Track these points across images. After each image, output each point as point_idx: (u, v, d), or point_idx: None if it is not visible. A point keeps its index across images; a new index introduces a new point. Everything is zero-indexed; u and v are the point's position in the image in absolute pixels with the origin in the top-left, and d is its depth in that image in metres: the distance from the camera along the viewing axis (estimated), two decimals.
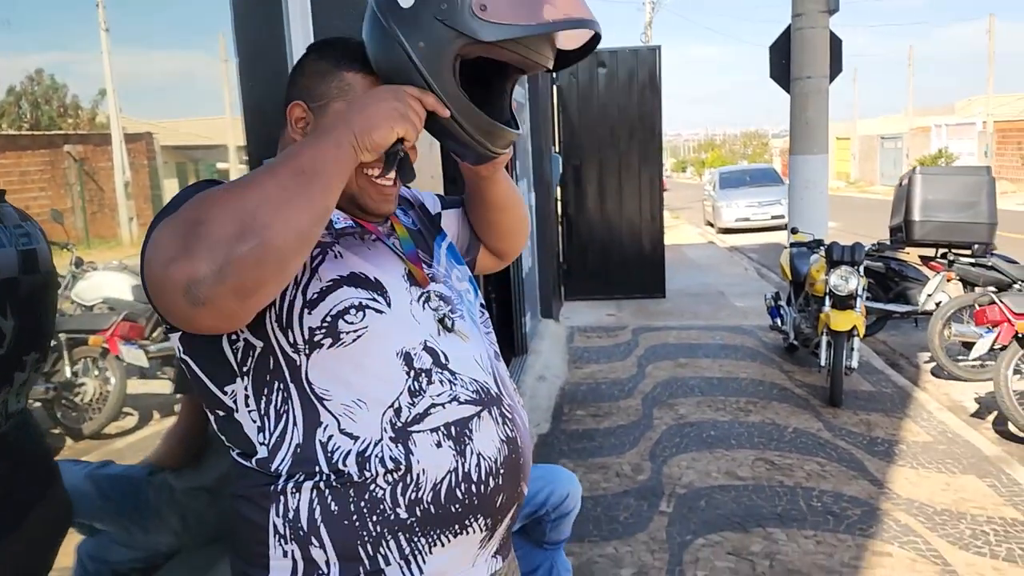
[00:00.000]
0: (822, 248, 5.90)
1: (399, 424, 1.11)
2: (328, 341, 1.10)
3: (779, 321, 6.71)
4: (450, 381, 1.16)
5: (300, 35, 2.15)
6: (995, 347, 4.79)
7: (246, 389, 1.12)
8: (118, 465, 2.35)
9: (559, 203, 9.29)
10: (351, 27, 2.17)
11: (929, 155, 30.57)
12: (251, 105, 2.24)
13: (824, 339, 5.47)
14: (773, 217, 17.70)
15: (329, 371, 1.11)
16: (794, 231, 6.79)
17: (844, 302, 5.44)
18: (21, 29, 1.94)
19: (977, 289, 6.08)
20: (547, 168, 7.85)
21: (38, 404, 4.32)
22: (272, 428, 1.12)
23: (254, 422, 1.13)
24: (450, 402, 1.15)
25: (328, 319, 1.10)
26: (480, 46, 1.07)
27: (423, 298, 1.22)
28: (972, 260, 6.29)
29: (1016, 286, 5.89)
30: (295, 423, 1.11)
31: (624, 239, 9.46)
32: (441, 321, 1.21)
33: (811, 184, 7.43)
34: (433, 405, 1.14)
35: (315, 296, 1.11)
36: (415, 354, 1.15)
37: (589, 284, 9.37)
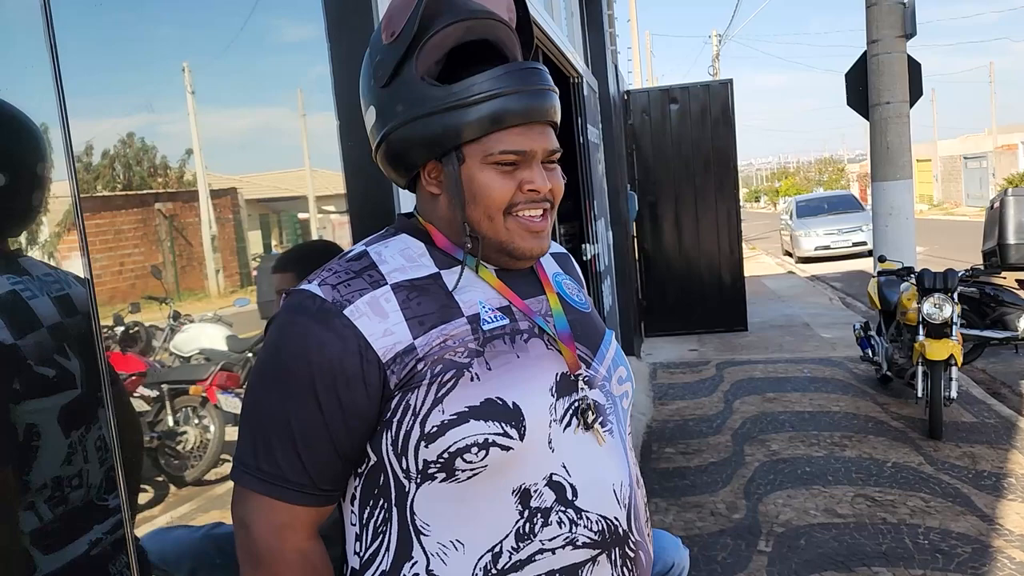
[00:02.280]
0: (912, 276, 5.73)
1: (493, 571, 1.01)
2: (442, 475, 1.01)
3: (870, 352, 6.52)
4: (572, 521, 1.04)
5: None
6: None
7: (355, 490, 1.09)
8: (229, 524, 2.44)
9: (636, 240, 9.29)
10: None
11: (1017, 173, 29.38)
12: (351, 162, 2.34)
13: (920, 369, 5.29)
14: (854, 244, 17.27)
15: (435, 504, 1.03)
16: (882, 259, 6.62)
17: (939, 330, 5.27)
18: (113, 96, 2.09)
19: None
20: (623, 206, 7.87)
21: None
22: (367, 543, 1.07)
23: (353, 525, 1.09)
24: (564, 547, 1.03)
25: (445, 456, 1.00)
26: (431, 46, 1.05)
27: (570, 410, 1.07)
28: None
29: None
30: (387, 549, 1.05)
31: (703, 273, 9.37)
32: (588, 427, 1.08)
33: (895, 210, 7.25)
34: (541, 551, 1.02)
35: (434, 430, 1.00)
36: (535, 491, 1.03)
37: (670, 319, 9.30)
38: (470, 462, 1.00)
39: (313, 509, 1.05)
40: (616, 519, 1.07)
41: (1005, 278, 6.81)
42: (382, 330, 1.02)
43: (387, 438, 1.03)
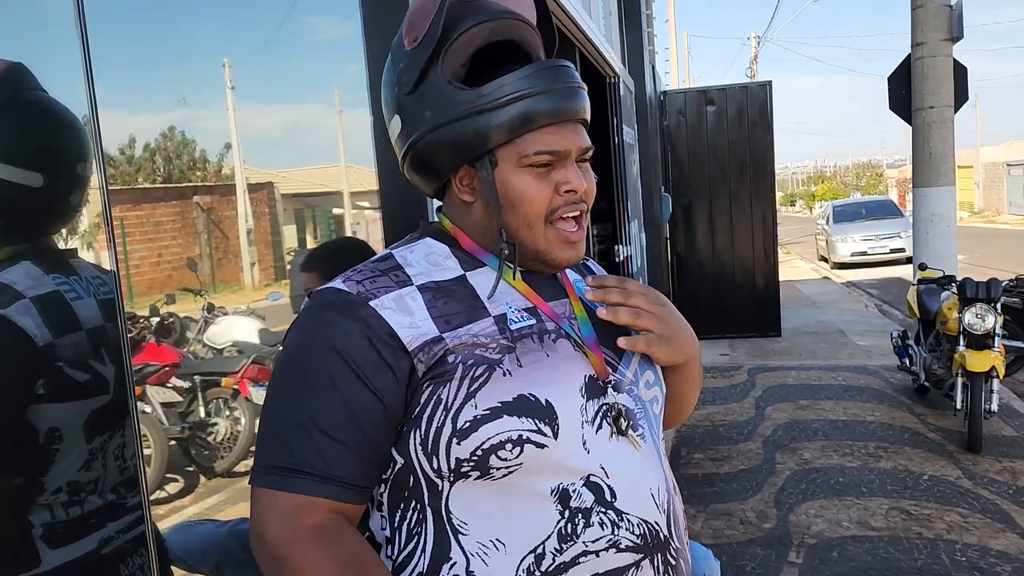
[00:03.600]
0: (954, 285, 5.61)
1: (537, 574, 0.98)
2: (476, 474, 0.98)
3: (907, 361, 6.39)
4: (613, 523, 1.01)
5: None
6: None
7: (381, 496, 1.05)
8: None
9: (669, 242, 9.20)
10: None
11: None
12: (384, 159, 2.33)
13: (960, 380, 5.17)
14: (892, 251, 17.01)
15: (471, 503, 1.00)
16: (922, 267, 6.49)
17: (980, 341, 5.15)
18: (154, 89, 2.10)
19: None
20: (657, 208, 7.80)
21: (173, 443, 4.58)
22: (401, 546, 1.02)
23: (383, 529, 1.05)
24: (607, 549, 1.00)
25: (479, 453, 0.97)
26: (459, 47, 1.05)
27: (600, 413, 1.04)
28: None
29: None
30: (423, 550, 1.01)
31: (736, 277, 9.26)
32: (620, 432, 1.05)
33: (936, 217, 7.11)
34: (585, 553, 0.99)
35: (467, 426, 0.97)
36: (574, 491, 1.00)
37: (702, 323, 9.17)
38: (505, 459, 0.97)
39: (330, 503, 0.97)
40: (657, 523, 1.05)
41: None
42: (408, 322, 1.00)
43: (415, 437, 1.00)
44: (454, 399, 0.98)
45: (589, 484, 1.01)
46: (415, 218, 2.29)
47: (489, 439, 0.97)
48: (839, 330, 9.61)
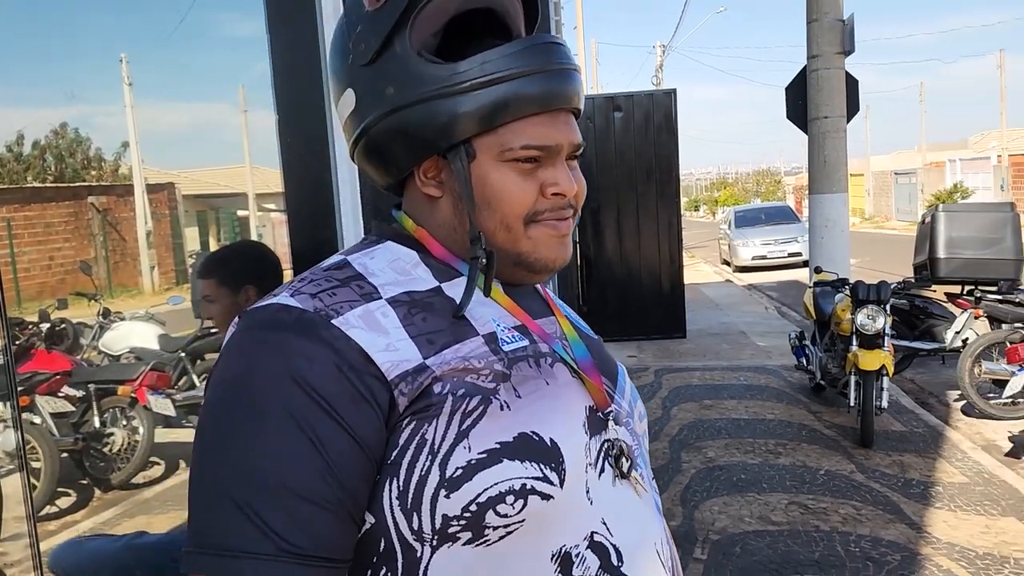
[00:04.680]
0: (847, 287, 5.87)
1: None
2: (466, 536, 0.77)
3: (804, 361, 6.65)
4: None
5: None
6: None
7: None
8: (153, 534, 2.35)
9: (577, 246, 9.33)
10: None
11: (944, 190, 30.54)
12: (290, 162, 2.28)
13: (853, 379, 5.42)
14: (790, 255, 17.71)
15: (456, 574, 0.78)
16: (817, 270, 6.77)
17: (871, 341, 5.41)
18: (45, 84, 2.00)
19: (1005, 326, 6.02)
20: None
21: (65, 455, 4.35)
22: None
23: None
24: None
25: (473, 508, 0.76)
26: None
27: (602, 452, 0.87)
28: (999, 296, 6.24)
29: None
30: None
31: (643, 280, 9.47)
32: (622, 474, 0.89)
33: (831, 223, 7.43)
34: None
35: (459, 474, 0.76)
36: (577, 555, 0.81)
37: (609, 326, 9.35)
38: (504, 515, 0.76)
39: None
40: None
41: (935, 291, 7.03)
42: (384, 344, 0.79)
43: (391, 489, 0.77)
44: (442, 439, 0.77)
45: (593, 545, 0.82)
46: (323, 221, 2.25)
47: (487, 490, 0.76)
48: (741, 331, 9.93)
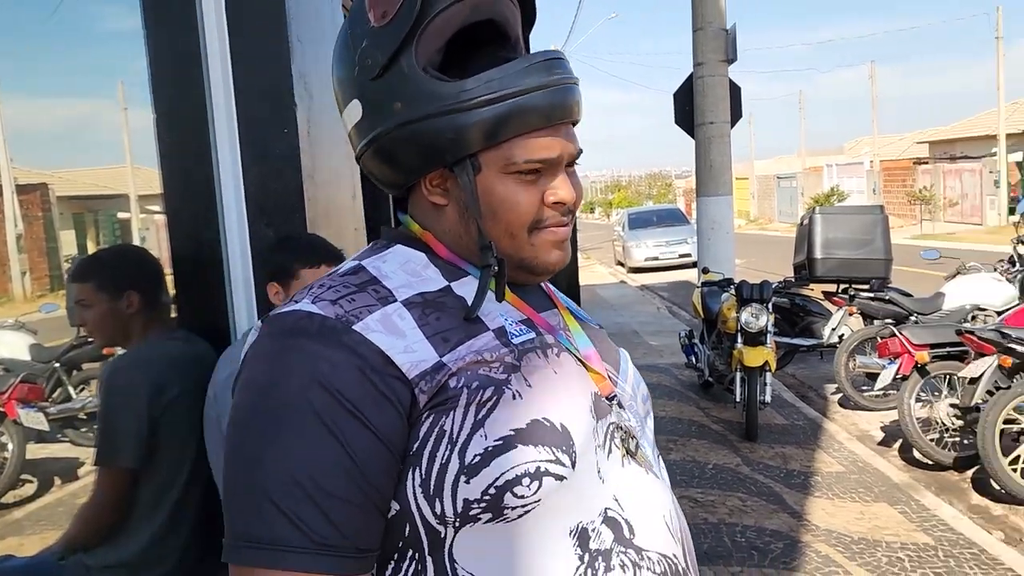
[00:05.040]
0: (732, 287, 6.10)
1: None
2: (487, 516, 0.83)
3: (694, 359, 6.87)
4: (634, 564, 0.89)
5: (220, 90, 2.12)
6: (897, 377, 5.03)
7: None
8: (21, 558, 2.21)
9: None
10: (269, 83, 2.16)
11: (822, 193, 32.12)
12: (169, 163, 2.19)
13: (738, 375, 5.63)
14: (681, 256, 18.25)
15: (480, 551, 0.84)
16: (705, 270, 7.00)
17: (755, 339, 5.63)
18: None
19: (876, 322, 6.38)
20: None
21: None
22: None
23: None
24: None
25: (492, 491, 0.82)
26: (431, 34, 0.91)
27: (608, 434, 0.93)
28: (871, 294, 6.61)
29: (912, 318, 6.22)
30: None
31: None
32: (629, 453, 0.95)
33: (717, 224, 7.70)
34: None
35: (477, 460, 0.82)
36: (593, 530, 0.87)
37: None
38: (521, 496, 0.82)
39: None
40: (675, 556, 0.93)
41: (812, 290, 7.39)
42: (402, 347, 0.84)
43: (414, 478, 0.83)
44: (460, 429, 0.83)
45: (607, 520, 0.88)
46: (204, 219, 2.17)
47: (503, 474, 0.82)
48: (634, 331, 10.18)
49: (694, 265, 13.49)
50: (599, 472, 0.89)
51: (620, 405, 0.96)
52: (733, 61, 7.52)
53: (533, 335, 0.93)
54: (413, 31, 0.88)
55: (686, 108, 7.79)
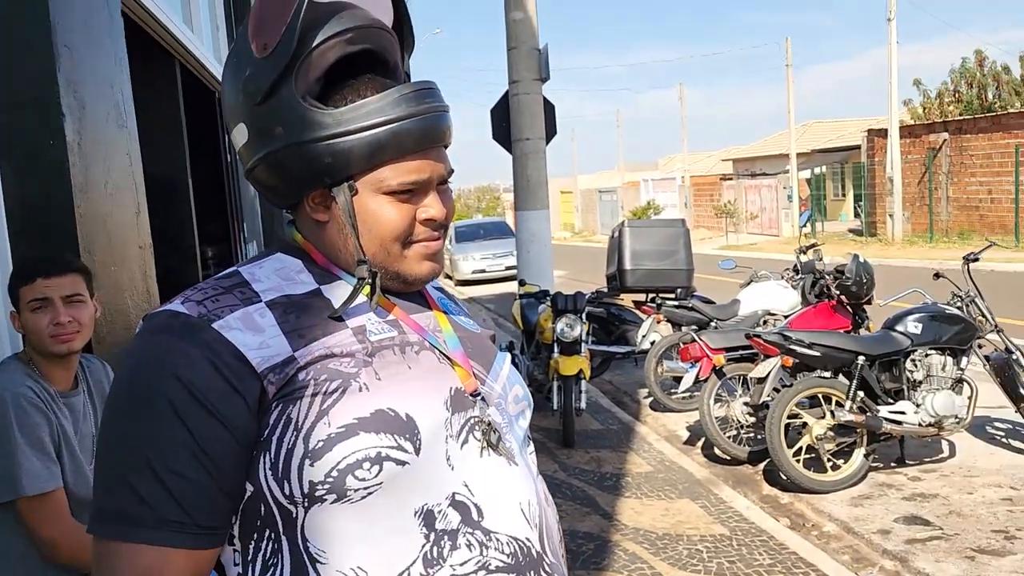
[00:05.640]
0: (548, 298, 6.28)
1: None
2: (332, 497, 0.90)
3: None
4: (481, 544, 0.96)
5: None
6: (699, 380, 5.36)
7: (233, 528, 0.96)
8: None
9: None
10: (33, 91, 2.01)
11: (640, 207, 33.83)
12: None
13: (555, 384, 5.80)
14: (507, 268, 18.58)
15: (329, 529, 0.92)
16: (522, 283, 7.18)
17: (571, 348, 5.83)
18: None
19: (682, 328, 6.78)
20: (279, 229, 7.66)
21: None
22: None
23: (235, 565, 0.96)
24: (476, 571, 0.95)
25: (334, 474, 0.90)
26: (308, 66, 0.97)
27: (467, 426, 1.00)
28: (676, 303, 7.01)
29: (713, 324, 6.65)
30: None
31: None
32: (490, 445, 1.01)
33: (536, 237, 7.92)
34: None
35: (320, 446, 0.90)
36: (439, 512, 0.95)
37: None
38: (362, 479, 0.90)
39: (189, 553, 0.88)
40: (528, 539, 1.00)
41: (623, 299, 7.75)
42: (257, 343, 0.92)
43: (265, 462, 0.91)
44: (305, 418, 0.91)
45: (455, 503, 0.96)
46: None
47: (345, 458, 0.89)
48: None
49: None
50: (448, 459, 0.96)
51: (484, 401, 1.03)
52: (546, 80, 7.77)
53: (395, 333, 1.01)
54: (292, 63, 0.95)
55: (503, 124, 7.97)
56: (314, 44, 0.96)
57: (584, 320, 6.00)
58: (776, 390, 4.83)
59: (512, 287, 17.03)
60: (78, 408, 1.91)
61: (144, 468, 0.87)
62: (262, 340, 0.93)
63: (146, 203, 2.65)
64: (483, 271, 18.94)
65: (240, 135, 1.02)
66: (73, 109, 2.09)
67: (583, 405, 5.78)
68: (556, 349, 5.86)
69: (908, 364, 4.84)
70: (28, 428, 1.73)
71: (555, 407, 5.80)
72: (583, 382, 5.80)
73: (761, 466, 5.21)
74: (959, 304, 5.03)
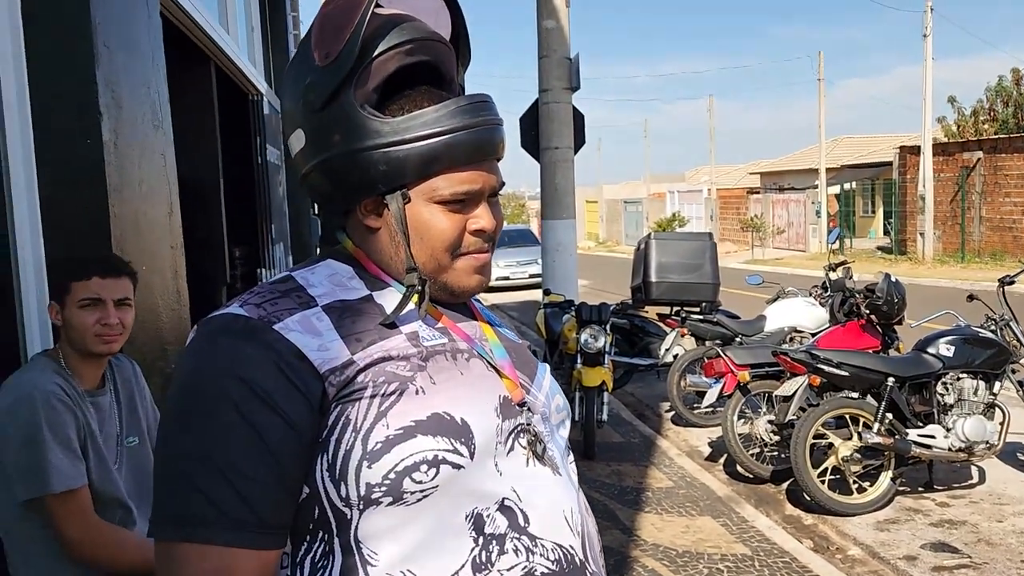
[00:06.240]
0: (572, 308, 6.25)
1: None
2: (388, 500, 0.92)
3: None
4: (528, 549, 0.97)
5: (13, 93, 1.96)
6: (722, 395, 5.30)
7: None
8: None
9: None
10: (71, 89, 2.02)
11: (665, 218, 33.70)
12: None
13: (577, 395, 5.76)
14: (531, 276, 18.56)
15: (382, 531, 0.93)
16: (547, 292, 7.15)
17: (594, 359, 5.79)
18: None
19: (707, 343, 6.72)
20: (306, 230, 7.70)
21: None
22: None
23: (284, 567, 0.96)
24: None
25: (392, 476, 0.91)
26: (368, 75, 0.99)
27: (514, 434, 1.02)
28: (700, 317, 6.96)
29: (738, 339, 6.59)
30: None
31: None
32: (536, 455, 1.03)
33: (561, 247, 7.88)
34: None
35: (378, 447, 0.91)
36: (488, 516, 0.96)
37: None
38: (420, 482, 0.91)
39: (255, 553, 0.88)
40: (572, 547, 1.01)
41: (648, 312, 7.69)
42: (316, 345, 0.93)
43: (322, 463, 0.92)
44: (364, 419, 0.92)
45: (503, 508, 0.97)
46: None
47: (402, 460, 0.91)
48: None
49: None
50: (496, 466, 0.98)
51: (530, 411, 1.05)
52: (576, 89, 7.74)
53: (445, 340, 1.02)
54: (353, 71, 0.97)
55: (532, 132, 7.94)
56: (375, 54, 0.98)
57: (608, 331, 5.96)
58: (802, 409, 4.77)
59: (535, 295, 17.02)
60: (104, 407, 1.91)
61: (210, 469, 0.88)
62: (321, 343, 0.94)
63: (179, 203, 2.66)
64: (507, 278, 18.92)
65: (297, 141, 1.03)
66: (110, 109, 2.09)
67: (605, 417, 5.74)
68: (579, 360, 5.83)
69: (939, 387, 4.76)
70: (56, 426, 1.74)
71: (576, 418, 5.75)
72: (605, 394, 5.76)
73: (784, 485, 5.14)
74: (993, 327, 4.94)
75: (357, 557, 0.93)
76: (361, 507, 0.92)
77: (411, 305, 1.02)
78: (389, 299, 1.03)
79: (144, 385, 2.06)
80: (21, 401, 1.74)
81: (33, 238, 2.00)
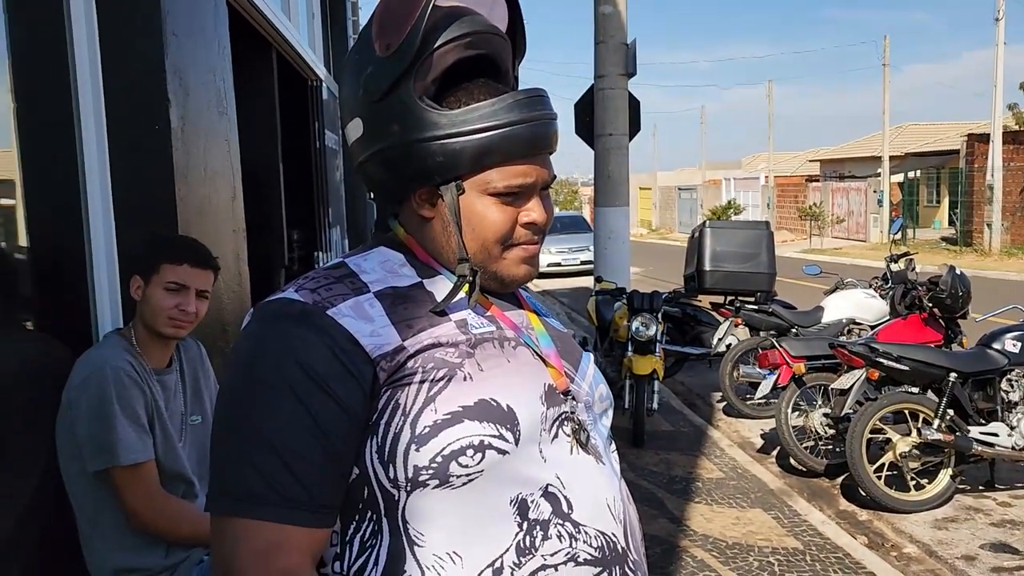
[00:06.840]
0: (624, 296, 6.22)
1: None
2: (435, 483, 0.94)
3: None
4: (571, 536, 0.99)
5: (88, 81, 2.02)
6: (776, 387, 5.23)
7: None
8: None
9: None
10: (140, 76, 2.08)
11: (720, 206, 33.20)
12: (30, 148, 2.08)
13: (627, 382, 5.74)
14: (583, 263, 18.49)
15: (429, 513, 0.95)
16: (599, 279, 7.13)
17: (645, 347, 5.76)
18: None
19: (761, 333, 6.63)
20: (361, 214, 7.79)
21: None
22: (352, 559, 0.97)
23: (333, 545, 0.98)
24: (566, 562, 0.98)
25: (439, 459, 0.94)
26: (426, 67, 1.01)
27: (558, 421, 1.03)
28: (755, 307, 6.86)
29: (793, 331, 6.49)
30: (376, 563, 0.96)
31: None
32: (580, 443, 1.04)
33: (614, 234, 7.84)
34: (543, 567, 0.96)
35: (426, 431, 0.94)
36: (532, 502, 0.98)
37: None
38: (465, 466, 0.94)
39: (307, 531, 0.92)
40: (614, 535, 1.03)
41: (701, 301, 7.62)
42: (369, 330, 0.96)
43: (372, 445, 0.95)
44: (413, 403, 0.95)
45: (547, 495, 0.99)
46: (64, 219, 2.07)
47: (449, 444, 0.93)
48: None
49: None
50: (541, 452, 0.99)
51: (574, 399, 1.06)
52: (633, 75, 7.67)
53: (493, 328, 1.04)
54: (413, 63, 0.98)
55: (586, 119, 7.90)
56: (435, 46, 0.99)
57: (660, 320, 5.92)
58: (859, 403, 4.68)
59: (587, 282, 16.97)
60: (170, 386, 1.98)
61: (266, 448, 0.91)
62: (373, 328, 0.96)
63: (241, 188, 2.72)
64: (559, 264, 18.88)
65: (355, 130, 1.05)
66: (178, 95, 2.15)
67: (655, 405, 5.71)
68: (630, 348, 5.80)
69: (1004, 384, 4.63)
70: (126, 401, 1.80)
71: (626, 406, 5.74)
72: (656, 382, 5.73)
73: (839, 480, 5.06)
74: None
75: (404, 538, 0.95)
76: (408, 488, 0.95)
77: (461, 294, 1.03)
78: (439, 287, 1.05)
79: (209, 367, 2.12)
80: (93, 376, 1.81)
81: (105, 221, 2.08)
